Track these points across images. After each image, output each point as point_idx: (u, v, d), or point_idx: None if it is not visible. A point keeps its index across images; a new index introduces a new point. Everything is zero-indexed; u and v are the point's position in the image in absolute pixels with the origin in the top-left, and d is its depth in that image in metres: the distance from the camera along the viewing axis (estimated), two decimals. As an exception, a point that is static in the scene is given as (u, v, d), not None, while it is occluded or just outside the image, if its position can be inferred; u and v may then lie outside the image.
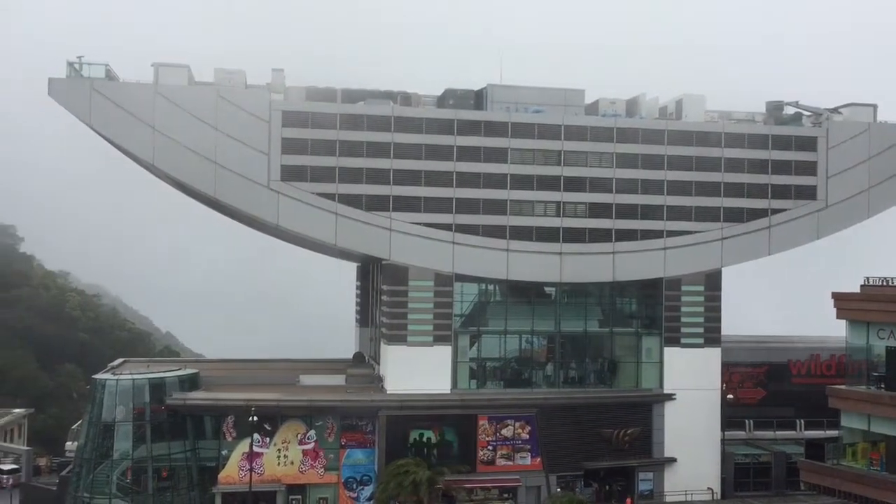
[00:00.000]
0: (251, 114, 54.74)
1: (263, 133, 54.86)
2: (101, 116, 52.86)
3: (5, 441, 72.62)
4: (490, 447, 56.67)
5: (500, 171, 57.87)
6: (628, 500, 57.55)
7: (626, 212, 59.64)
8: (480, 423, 56.67)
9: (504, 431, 56.96)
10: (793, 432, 64.91)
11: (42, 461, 67.86)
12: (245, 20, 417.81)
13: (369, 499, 55.23)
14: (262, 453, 53.79)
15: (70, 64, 52.99)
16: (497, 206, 57.85)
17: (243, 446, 53.42)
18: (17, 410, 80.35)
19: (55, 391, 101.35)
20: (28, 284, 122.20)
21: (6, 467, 64.07)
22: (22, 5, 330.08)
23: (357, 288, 75.99)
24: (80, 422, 61.86)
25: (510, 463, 56.85)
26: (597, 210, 59.33)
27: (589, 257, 59.08)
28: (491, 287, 60.23)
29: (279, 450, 54.54)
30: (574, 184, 58.91)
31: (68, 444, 63.85)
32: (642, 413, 59.68)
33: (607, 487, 58.93)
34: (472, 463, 55.99)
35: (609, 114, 61.23)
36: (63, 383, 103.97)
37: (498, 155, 57.84)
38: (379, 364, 62.05)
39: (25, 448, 66.42)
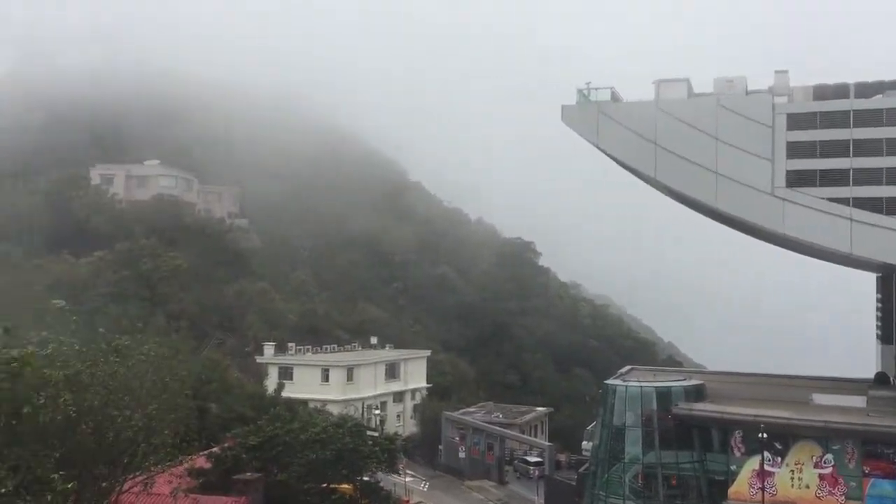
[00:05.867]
0: (753, 120, 53.13)
1: (766, 138, 52.81)
2: (607, 137, 56.28)
3: (531, 435, 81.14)
4: None
5: None
6: None
7: None
8: None
9: None
10: None
11: (562, 457, 74.04)
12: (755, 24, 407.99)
13: (899, 537, 49.03)
14: (773, 472, 51.48)
15: (579, 91, 57.49)
16: None
17: (753, 463, 51.67)
18: (539, 408, 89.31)
19: (569, 393, 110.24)
20: (545, 295, 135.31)
21: (532, 459, 71.42)
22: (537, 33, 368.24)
23: (878, 301, 68.32)
24: (593, 423, 66.23)
25: None
26: None
27: None
28: None
29: (792, 471, 51.49)
30: None
31: (584, 443, 68.76)
32: None
33: None
34: None
35: None
36: (575, 386, 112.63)
37: None
38: (908, 386, 54.92)
39: (548, 443, 73.15)
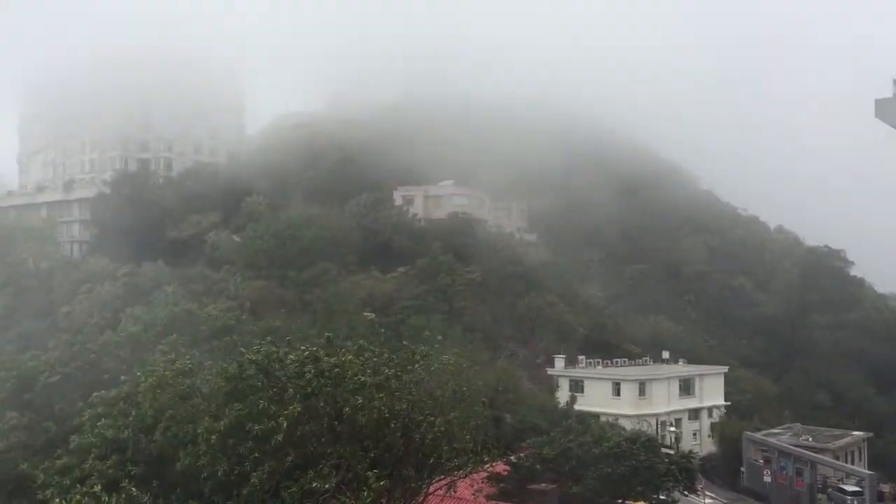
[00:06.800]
0: None
1: None
2: (933, 129, 49.71)
3: (845, 462, 73.66)
4: None
5: None
6: None
7: None
8: None
9: None
10: None
11: (885, 488, 66.53)
12: None
13: None
14: None
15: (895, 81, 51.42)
16: None
17: None
18: (856, 433, 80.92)
19: (893, 417, 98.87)
20: (859, 307, 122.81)
21: (850, 489, 64.74)
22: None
23: None
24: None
25: None
26: None
27: None
28: None
29: None
30: None
31: (913, 475, 61.21)
32: None
33: None
34: None
35: None
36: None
37: None
38: None
39: (868, 472, 66.06)
